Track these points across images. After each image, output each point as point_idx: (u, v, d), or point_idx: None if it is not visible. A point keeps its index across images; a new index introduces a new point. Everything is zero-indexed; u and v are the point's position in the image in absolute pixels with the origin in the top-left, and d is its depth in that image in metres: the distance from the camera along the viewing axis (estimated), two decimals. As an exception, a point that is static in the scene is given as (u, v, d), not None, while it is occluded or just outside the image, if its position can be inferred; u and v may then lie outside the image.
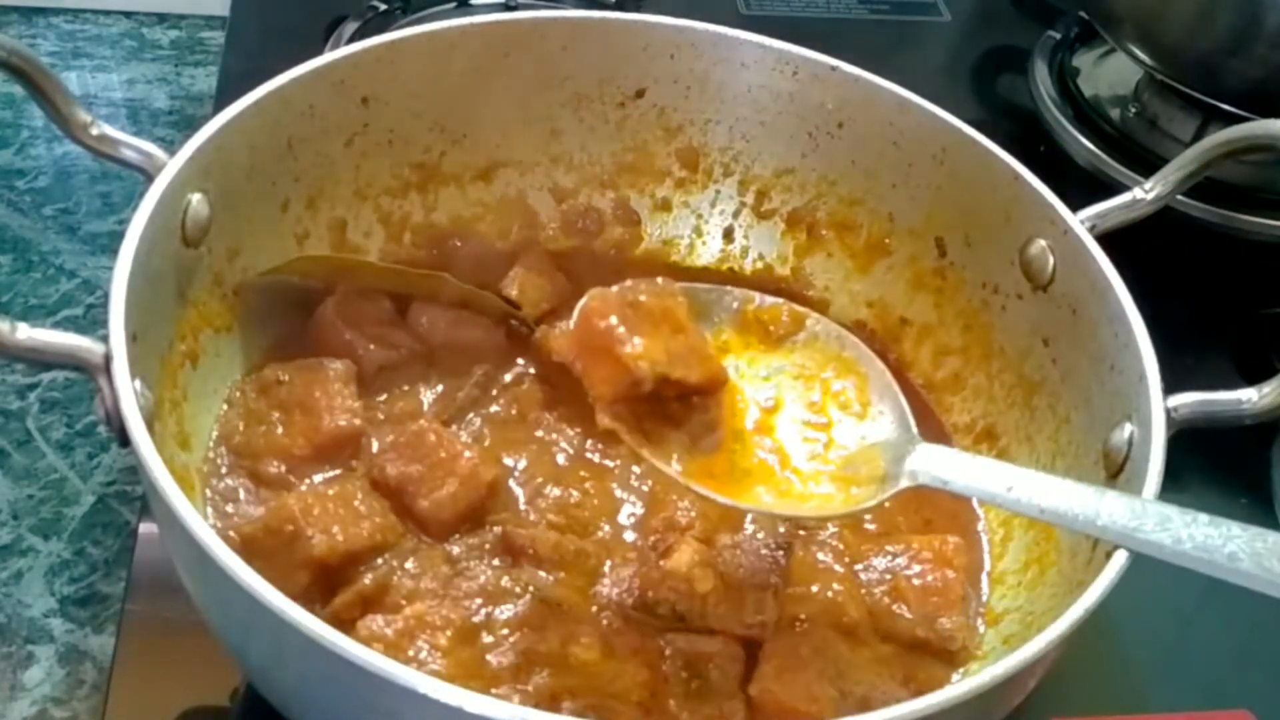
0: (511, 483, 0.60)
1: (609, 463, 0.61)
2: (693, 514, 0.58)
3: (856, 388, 0.55)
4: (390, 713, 0.41)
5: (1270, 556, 0.42)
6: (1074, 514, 0.46)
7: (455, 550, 0.56)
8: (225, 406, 0.60)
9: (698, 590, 0.54)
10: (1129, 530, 0.45)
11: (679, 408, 0.52)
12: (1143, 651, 0.62)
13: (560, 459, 0.61)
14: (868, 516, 0.61)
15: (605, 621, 0.53)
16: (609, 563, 0.56)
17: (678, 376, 0.50)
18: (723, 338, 0.56)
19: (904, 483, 0.51)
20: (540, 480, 0.60)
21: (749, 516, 0.59)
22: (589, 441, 0.62)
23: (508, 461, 0.60)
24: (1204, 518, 0.44)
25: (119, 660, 0.56)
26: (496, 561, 0.55)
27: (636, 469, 0.61)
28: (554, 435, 0.62)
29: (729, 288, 0.58)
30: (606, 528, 0.58)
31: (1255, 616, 0.64)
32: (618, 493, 0.60)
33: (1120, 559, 0.46)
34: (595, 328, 0.51)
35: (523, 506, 0.59)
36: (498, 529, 0.56)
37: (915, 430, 0.53)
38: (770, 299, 0.58)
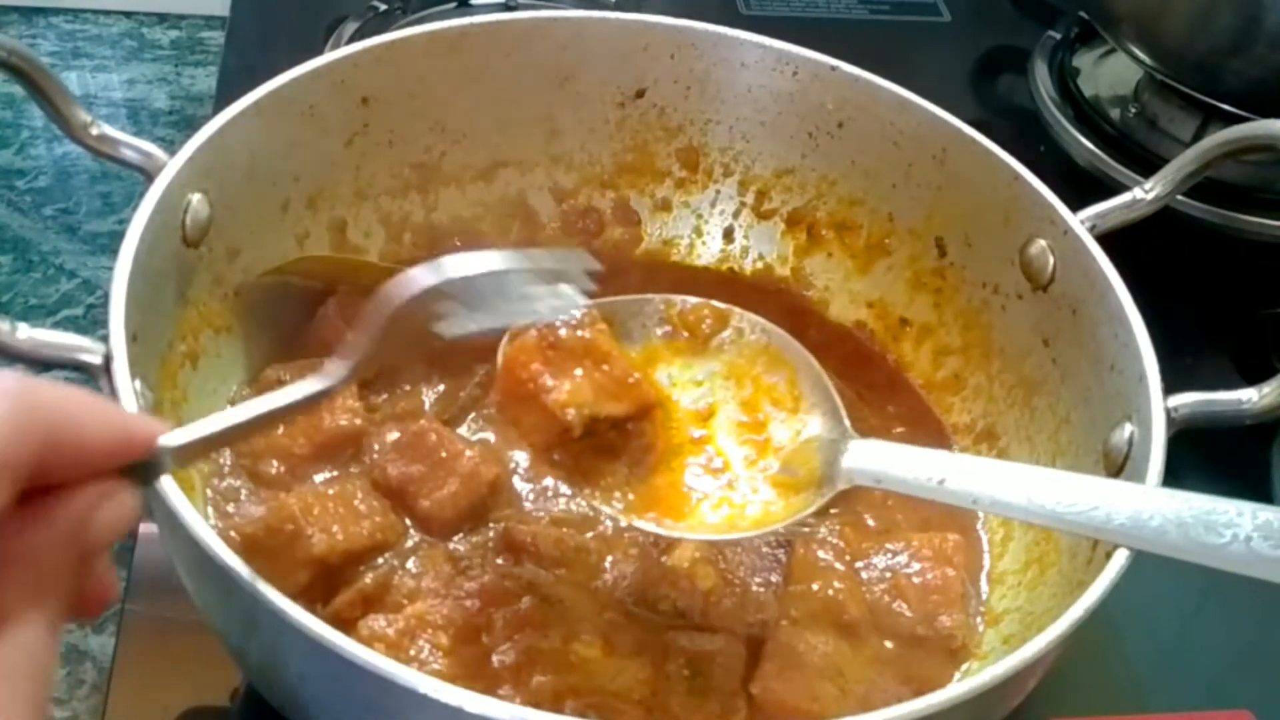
0: (513, 481, 0.60)
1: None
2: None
3: (787, 381, 0.55)
4: (390, 713, 0.41)
5: (1196, 525, 0.42)
6: (1006, 502, 0.46)
7: (457, 549, 0.56)
8: (228, 407, 0.60)
9: (699, 587, 0.54)
10: (1056, 514, 0.44)
11: (616, 437, 0.52)
12: (1143, 651, 0.62)
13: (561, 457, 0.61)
14: (868, 516, 0.61)
15: (607, 619, 0.54)
16: (610, 558, 0.56)
17: (606, 413, 0.51)
18: (652, 346, 0.56)
19: (840, 484, 0.51)
20: (541, 478, 0.60)
21: None
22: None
23: (509, 460, 0.61)
24: (1133, 488, 0.44)
25: (119, 660, 0.56)
26: (499, 561, 0.55)
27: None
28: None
29: (649, 295, 0.58)
30: (608, 524, 0.58)
31: (1255, 616, 0.64)
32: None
33: (1120, 559, 0.46)
34: (518, 378, 0.51)
35: (525, 504, 0.59)
36: (500, 525, 0.56)
37: (848, 423, 0.53)
38: (692, 299, 0.57)
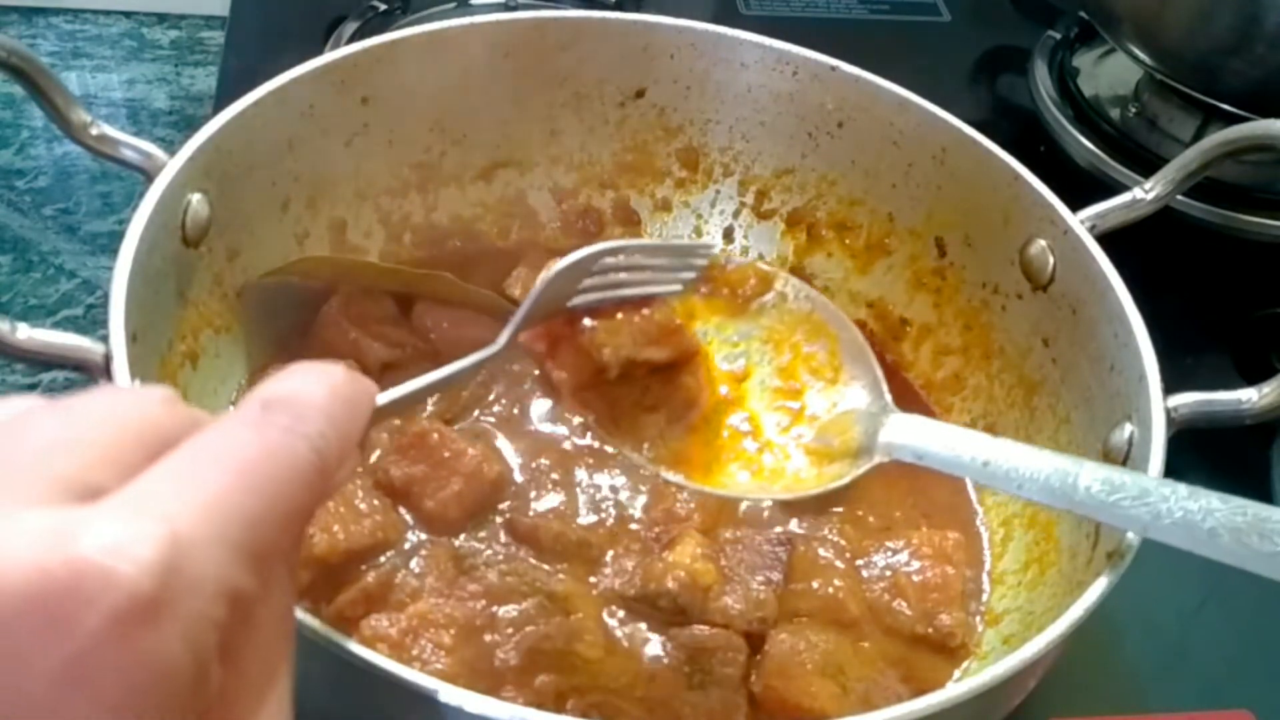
0: (516, 477, 0.60)
1: (612, 450, 0.62)
2: (691, 505, 0.58)
3: (828, 351, 0.54)
4: (390, 713, 0.41)
5: (1250, 532, 0.41)
6: (1051, 487, 0.45)
7: (460, 547, 0.56)
8: (230, 407, 0.60)
9: (699, 583, 0.54)
10: (1107, 504, 0.44)
11: (656, 386, 0.52)
12: (1143, 651, 0.62)
13: (562, 454, 0.61)
14: (868, 515, 0.61)
15: (610, 618, 0.54)
16: (611, 553, 0.56)
17: (644, 357, 0.50)
18: (690, 301, 0.55)
19: (878, 457, 0.50)
20: (543, 475, 0.60)
21: (743, 506, 0.59)
22: (590, 435, 0.62)
23: (511, 458, 0.61)
24: (1183, 490, 0.43)
25: (119, 660, 0.56)
26: (502, 553, 0.55)
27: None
28: (557, 430, 0.62)
29: (695, 243, 0.57)
30: (610, 519, 0.58)
31: (1255, 616, 0.64)
32: (621, 483, 0.60)
33: (1120, 559, 0.46)
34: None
35: (528, 498, 0.59)
36: (505, 515, 0.57)
37: (889, 397, 0.52)
38: (738, 258, 0.57)
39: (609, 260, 0.50)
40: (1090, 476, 0.44)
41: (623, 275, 0.51)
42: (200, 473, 0.27)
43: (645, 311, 0.51)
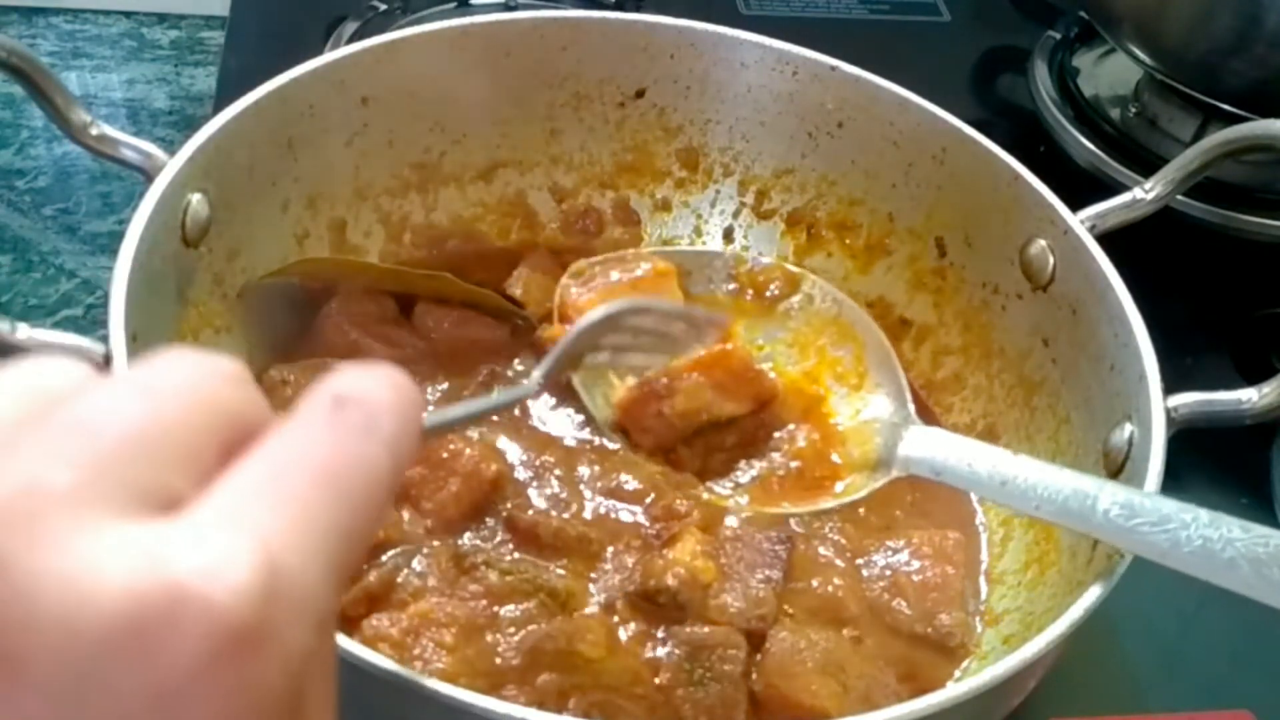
0: (517, 475, 0.60)
1: (612, 445, 0.62)
2: (691, 502, 0.58)
3: (854, 356, 0.54)
4: (391, 713, 0.41)
5: (1272, 564, 0.41)
6: (1069, 509, 0.45)
7: (462, 546, 0.56)
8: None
9: (699, 580, 0.54)
10: (1125, 529, 0.44)
11: (740, 426, 0.51)
12: (1143, 651, 0.62)
13: (563, 453, 0.61)
14: (869, 513, 0.61)
15: (612, 617, 0.54)
16: (611, 549, 0.56)
17: (728, 414, 0.49)
18: (717, 300, 0.55)
19: (895, 471, 0.49)
20: (543, 472, 0.60)
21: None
22: (589, 431, 0.62)
23: (511, 457, 0.61)
24: (1205, 517, 0.43)
25: (119, 660, 0.56)
26: (504, 553, 0.55)
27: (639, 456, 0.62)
28: (558, 430, 0.63)
29: (720, 250, 0.56)
30: (610, 515, 0.58)
31: (1255, 617, 0.64)
32: (621, 480, 0.60)
33: (1120, 559, 0.46)
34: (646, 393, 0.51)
35: (528, 496, 0.59)
36: (505, 512, 0.57)
37: (911, 408, 0.51)
38: (765, 259, 0.56)
39: (631, 320, 0.49)
40: (1110, 499, 0.43)
41: (642, 339, 0.50)
42: (288, 481, 0.25)
43: (725, 348, 0.50)
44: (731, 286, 0.55)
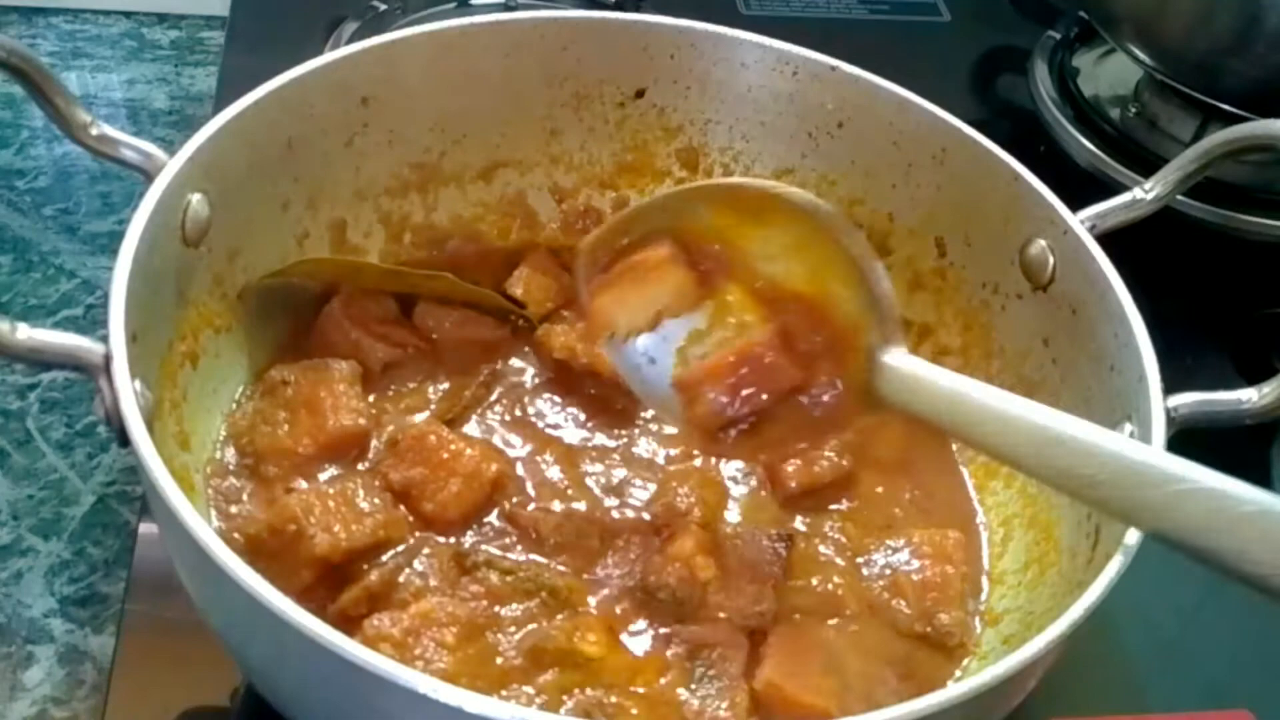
0: (518, 472, 0.60)
1: (611, 442, 0.62)
2: (691, 499, 0.58)
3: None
4: (391, 713, 0.41)
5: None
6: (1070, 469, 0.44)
7: (463, 545, 0.56)
8: (234, 407, 0.60)
9: (699, 577, 0.54)
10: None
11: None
12: (1143, 651, 0.62)
13: (563, 452, 0.62)
14: (869, 512, 0.61)
15: (611, 614, 0.54)
16: (611, 546, 0.57)
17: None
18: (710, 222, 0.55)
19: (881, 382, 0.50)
20: (544, 471, 0.60)
21: (740, 503, 0.60)
22: (589, 429, 0.63)
23: (513, 454, 0.61)
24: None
25: (119, 660, 0.56)
26: (505, 552, 0.56)
27: (639, 454, 0.62)
28: (558, 430, 0.63)
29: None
30: (611, 512, 0.59)
31: (1255, 616, 0.64)
32: (621, 478, 0.60)
33: (1120, 559, 0.46)
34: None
35: (529, 494, 0.59)
36: (507, 508, 0.57)
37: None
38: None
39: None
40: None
41: None
42: None
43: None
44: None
